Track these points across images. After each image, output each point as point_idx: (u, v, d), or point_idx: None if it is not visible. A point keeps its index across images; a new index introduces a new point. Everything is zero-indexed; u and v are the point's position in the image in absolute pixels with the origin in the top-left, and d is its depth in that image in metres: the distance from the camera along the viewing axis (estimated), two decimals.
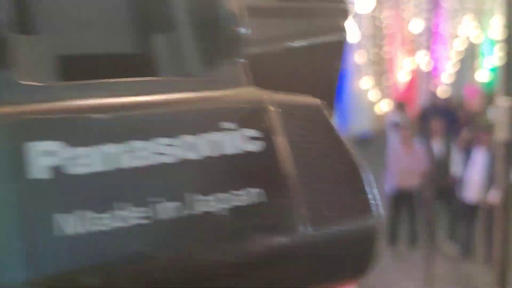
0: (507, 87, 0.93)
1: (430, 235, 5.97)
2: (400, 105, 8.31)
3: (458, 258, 5.83)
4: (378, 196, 0.31)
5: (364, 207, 0.29)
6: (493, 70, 21.54)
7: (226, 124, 0.25)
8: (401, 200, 5.84)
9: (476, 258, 5.82)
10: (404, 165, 5.66)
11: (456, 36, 18.13)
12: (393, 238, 5.92)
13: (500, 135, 0.95)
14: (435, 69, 16.76)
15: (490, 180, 5.59)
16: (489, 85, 21.23)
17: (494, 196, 5.61)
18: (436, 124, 5.94)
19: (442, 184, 5.88)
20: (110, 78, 0.24)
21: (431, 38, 16.22)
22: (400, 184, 5.75)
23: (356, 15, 12.21)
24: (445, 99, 8.88)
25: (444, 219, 6.24)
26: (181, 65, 0.27)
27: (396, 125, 7.70)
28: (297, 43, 0.39)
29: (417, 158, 5.68)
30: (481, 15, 20.08)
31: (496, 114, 0.92)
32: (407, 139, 5.75)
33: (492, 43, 21.35)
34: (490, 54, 21.52)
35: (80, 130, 0.22)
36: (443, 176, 5.90)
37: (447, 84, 17.65)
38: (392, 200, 5.98)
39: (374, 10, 13.00)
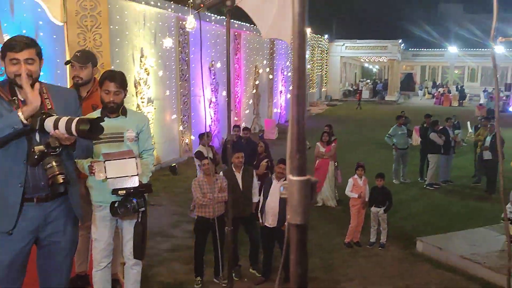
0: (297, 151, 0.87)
1: (233, 261, 6.23)
2: (204, 137, 8.54)
3: (260, 281, 6.15)
4: None
5: None
6: (286, 104, 23.58)
7: None
8: (205, 230, 5.94)
9: (275, 279, 6.24)
10: (208, 196, 5.76)
11: (255, 73, 19.60)
12: (199, 267, 5.99)
13: (292, 217, 0.90)
14: (237, 103, 17.80)
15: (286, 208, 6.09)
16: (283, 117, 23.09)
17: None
18: (238, 156, 6.20)
19: (245, 212, 6.20)
20: None
21: (233, 75, 17.21)
22: (204, 214, 5.86)
23: (163, 52, 12.39)
24: (246, 132, 9.36)
25: (247, 245, 6.57)
26: None
27: (200, 156, 7.94)
28: None
29: (219, 188, 5.85)
30: (276, 55, 21.98)
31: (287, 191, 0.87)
32: (210, 170, 5.86)
33: (287, 80, 23.45)
34: (285, 89, 23.59)
35: None
36: (245, 205, 6.22)
37: (248, 117, 18.88)
38: (196, 230, 6.07)
39: (180, 47, 13.32)
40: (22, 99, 2.73)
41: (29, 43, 2.72)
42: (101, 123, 2.58)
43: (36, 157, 2.62)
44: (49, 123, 2.56)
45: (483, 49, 43.02)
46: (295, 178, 0.95)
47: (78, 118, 2.54)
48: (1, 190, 2.71)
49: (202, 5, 2.93)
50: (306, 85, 0.91)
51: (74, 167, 3.01)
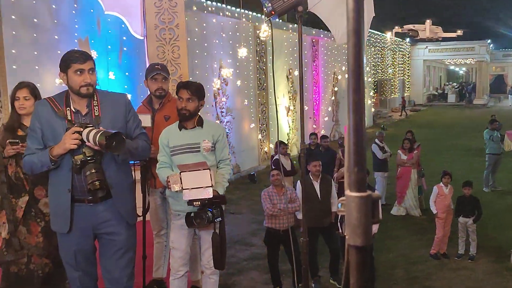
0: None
1: (312, 272, 6.10)
2: (283, 145, 8.50)
3: None
4: None
5: None
6: None
7: None
8: (276, 241, 5.80)
9: None
10: (277, 206, 5.63)
11: (334, 80, 19.35)
12: (275, 278, 5.89)
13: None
14: (316, 110, 17.64)
15: None
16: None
17: (373, 230, 5.93)
18: (315, 164, 6.07)
19: (323, 222, 6.05)
20: None
21: (310, 82, 17.10)
22: (274, 226, 5.72)
23: (241, 62, 12.54)
24: (325, 140, 9.20)
25: (328, 256, 6.41)
26: None
27: (277, 165, 7.86)
28: None
29: (288, 199, 5.70)
30: None
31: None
32: (278, 182, 5.71)
33: (367, 86, 22.94)
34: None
35: None
36: (323, 215, 6.06)
37: (327, 124, 18.64)
38: (266, 242, 6.00)
39: (257, 57, 13.45)
40: (75, 110, 2.94)
41: (89, 55, 2.95)
42: (122, 137, 2.74)
43: (77, 165, 2.84)
44: (84, 135, 2.77)
45: None
46: (353, 194, 0.84)
47: (102, 131, 2.72)
48: (56, 196, 3.00)
49: (273, 12, 2.90)
50: (364, 89, 0.81)
51: (122, 169, 3.09)
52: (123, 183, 3.07)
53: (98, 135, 2.70)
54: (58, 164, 2.87)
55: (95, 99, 2.96)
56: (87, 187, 2.83)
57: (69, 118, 2.90)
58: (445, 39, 38.11)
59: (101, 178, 2.82)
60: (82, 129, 2.79)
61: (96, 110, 2.94)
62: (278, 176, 5.70)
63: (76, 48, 7.54)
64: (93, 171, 2.81)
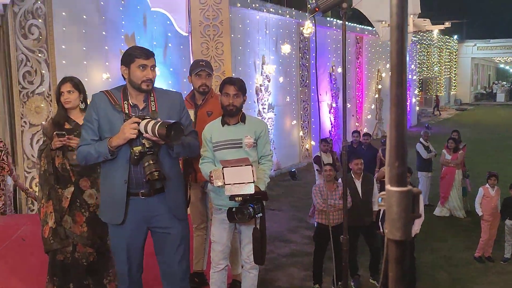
0: None
1: (352, 270, 6.05)
2: (325, 143, 8.44)
3: None
4: None
5: None
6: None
7: None
8: (325, 237, 5.80)
9: None
10: (327, 203, 5.63)
11: (378, 77, 19.07)
12: (317, 274, 5.89)
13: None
14: (358, 108, 17.44)
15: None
16: None
17: (415, 230, 5.84)
18: (357, 162, 6.02)
19: (364, 221, 5.99)
20: None
21: (354, 79, 16.91)
22: (324, 221, 5.74)
23: (283, 58, 12.53)
24: (367, 137, 9.09)
25: (368, 255, 6.35)
26: None
27: (319, 162, 7.83)
28: None
29: (339, 196, 5.69)
30: None
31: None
32: (330, 177, 5.73)
33: (412, 84, 22.49)
34: (409, 94, 22.71)
35: None
36: (364, 213, 6.00)
37: (370, 122, 18.40)
38: (316, 237, 5.99)
39: (300, 54, 13.41)
40: (132, 104, 2.99)
41: (152, 52, 3.00)
42: (181, 127, 2.79)
43: (135, 157, 2.87)
44: (142, 126, 2.80)
45: None
46: (394, 188, 0.85)
47: (161, 122, 2.75)
48: (110, 187, 3.02)
49: (317, 9, 2.89)
50: (406, 84, 0.81)
51: (175, 165, 3.15)
52: (175, 177, 3.10)
53: (158, 125, 2.72)
54: (115, 155, 2.92)
55: (152, 95, 3.01)
56: (145, 178, 2.86)
57: (127, 112, 2.95)
58: (495, 36, 36.90)
59: (159, 169, 2.85)
60: (140, 120, 2.83)
61: (153, 105, 2.99)
62: (331, 171, 5.67)
63: (123, 44, 7.74)
64: (151, 162, 2.84)
